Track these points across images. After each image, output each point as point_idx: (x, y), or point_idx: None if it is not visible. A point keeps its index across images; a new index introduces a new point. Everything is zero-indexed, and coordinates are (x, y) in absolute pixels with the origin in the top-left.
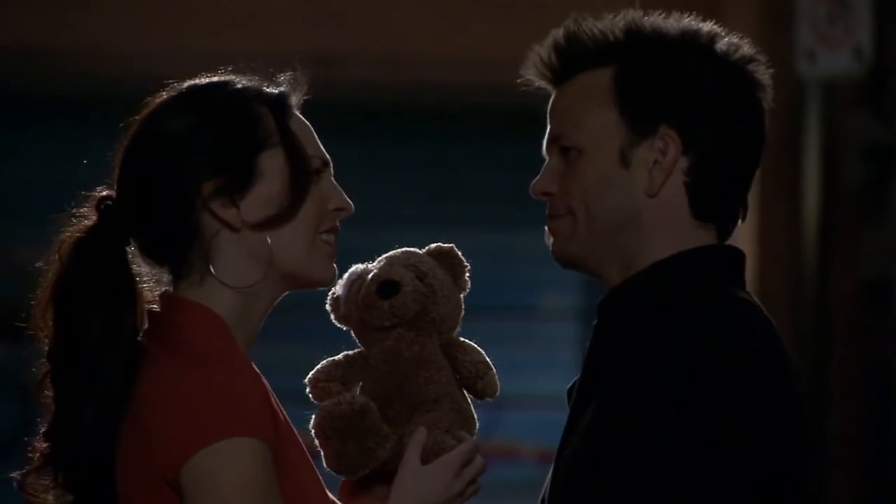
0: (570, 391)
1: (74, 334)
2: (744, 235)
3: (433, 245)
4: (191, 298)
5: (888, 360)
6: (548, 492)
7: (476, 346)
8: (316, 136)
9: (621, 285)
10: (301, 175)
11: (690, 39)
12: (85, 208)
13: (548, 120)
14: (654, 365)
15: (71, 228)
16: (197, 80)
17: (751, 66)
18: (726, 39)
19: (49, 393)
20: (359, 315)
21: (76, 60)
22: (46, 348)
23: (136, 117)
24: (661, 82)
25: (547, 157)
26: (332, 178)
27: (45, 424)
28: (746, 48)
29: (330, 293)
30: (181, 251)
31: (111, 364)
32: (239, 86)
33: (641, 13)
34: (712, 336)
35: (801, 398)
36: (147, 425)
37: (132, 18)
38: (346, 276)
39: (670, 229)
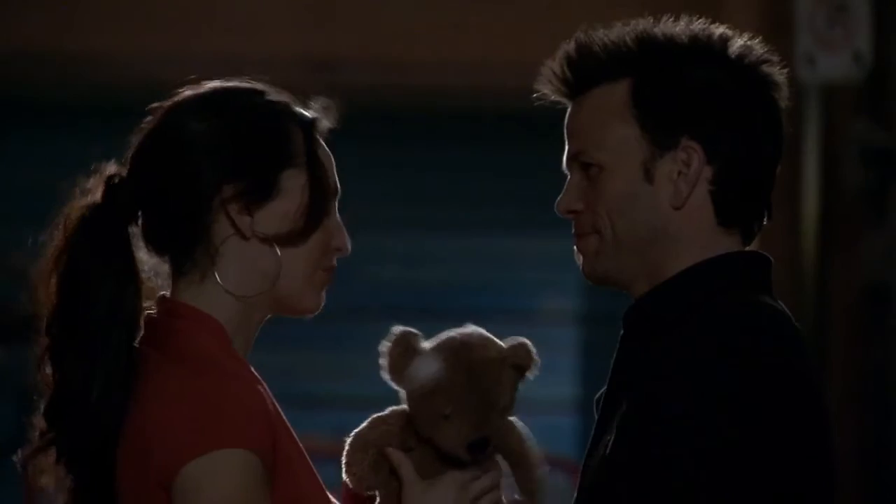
0: (597, 400)
1: (78, 309)
2: None
3: (512, 350)
4: (189, 300)
5: (888, 363)
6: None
7: (534, 451)
8: (333, 163)
9: (646, 296)
10: (320, 202)
11: (703, 45)
12: (92, 183)
13: (565, 136)
14: (674, 363)
15: (77, 202)
16: (233, 83)
17: (765, 67)
18: (739, 42)
19: (48, 371)
20: (428, 434)
21: (74, 64)
22: (45, 321)
23: (166, 103)
24: (679, 94)
25: (568, 174)
26: (338, 217)
27: (45, 402)
28: (759, 49)
29: (387, 348)
30: (187, 245)
31: (116, 342)
32: (275, 98)
33: (651, 20)
34: (733, 337)
35: (825, 405)
36: (147, 432)
37: (130, 23)
38: (400, 337)
39: (697, 239)
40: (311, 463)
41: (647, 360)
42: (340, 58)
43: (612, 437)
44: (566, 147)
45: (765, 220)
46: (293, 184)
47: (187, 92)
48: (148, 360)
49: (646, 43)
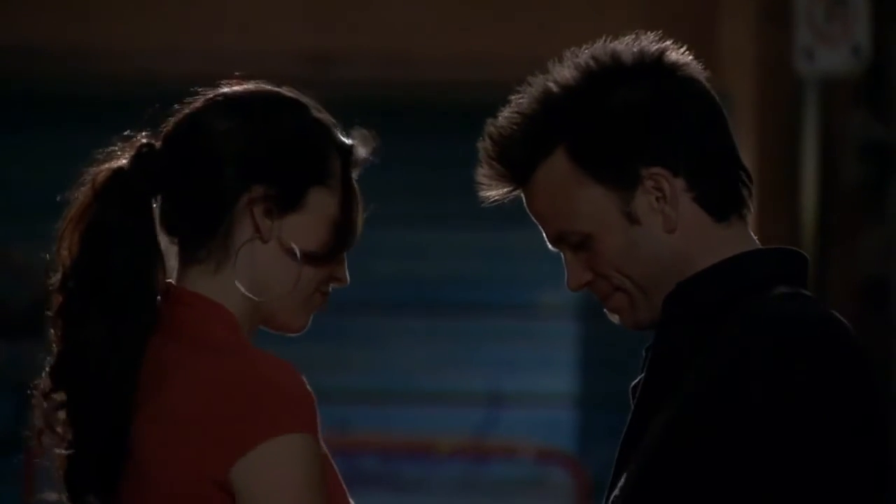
0: (633, 388)
1: (102, 264)
2: None
3: None
4: (198, 289)
5: (886, 357)
6: (617, 490)
7: None
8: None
9: (686, 282)
10: (349, 228)
11: (600, 74)
12: (120, 148)
13: (535, 220)
14: (737, 361)
15: (105, 164)
16: (280, 90)
17: (665, 57)
18: (632, 50)
19: (59, 329)
20: None
21: (75, 60)
22: (62, 278)
23: (211, 93)
24: (612, 134)
25: (560, 252)
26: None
27: (53, 360)
28: (650, 45)
29: None
30: (205, 233)
31: (139, 303)
32: (317, 116)
33: (546, 77)
34: (796, 332)
35: (878, 391)
36: (186, 420)
37: (130, 18)
38: None
39: (705, 246)
40: (331, 459)
41: (698, 350)
42: (338, 52)
43: (662, 434)
44: (543, 231)
45: (750, 184)
46: (320, 202)
47: (235, 87)
48: (157, 346)
49: (552, 105)
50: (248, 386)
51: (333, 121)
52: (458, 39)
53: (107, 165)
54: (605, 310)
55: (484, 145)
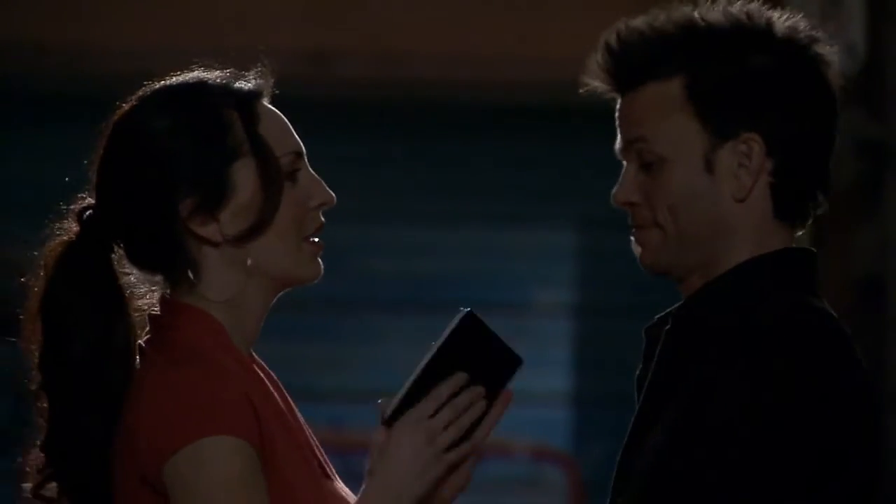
0: (639, 379)
1: (63, 348)
2: None
3: None
4: (187, 302)
5: (881, 356)
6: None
7: None
8: (288, 124)
9: (697, 296)
10: (272, 182)
11: (748, 29)
12: (66, 220)
13: (619, 125)
14: (737, 377)
15: (54, 241)
16: (168, 83)
17: (814, 47)
18: (783, 22)
19: (44, 404)
20: None
21: (71, 57)
22: (37, 359)
23: (112, 121)
24: (734, 86)
25: (624, 162)
26: (311, 172)
27: (42, 435)
28: (805, 27)
29: None
30: (167, 264)
31: (104, 376)
32: (209, 91)
33: (692, 9)
34: (792, 348)
35: (875, 408)
36: (129, 425)
37: (127, 15)
38: None
39: (756, 233)
40: (312, 452)
41: (703, 364)
42: (338, 51)
43: (667, 437)
44: (619, 135)
45: (819, 209)
46: (244, 175)
47: (128, 105)
48: (145, 358)
49: (690, 35)
50: (178, 390)
51: (227, 75)
52: (457, 39)
53: (53, 245)
54: (631, 237)
55: (610, 41)
